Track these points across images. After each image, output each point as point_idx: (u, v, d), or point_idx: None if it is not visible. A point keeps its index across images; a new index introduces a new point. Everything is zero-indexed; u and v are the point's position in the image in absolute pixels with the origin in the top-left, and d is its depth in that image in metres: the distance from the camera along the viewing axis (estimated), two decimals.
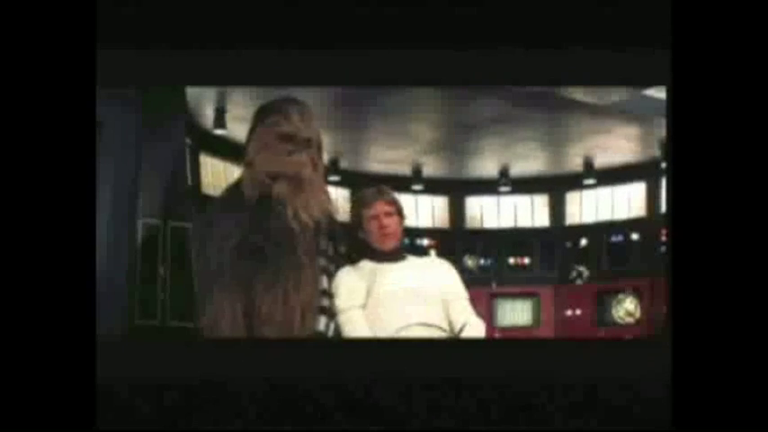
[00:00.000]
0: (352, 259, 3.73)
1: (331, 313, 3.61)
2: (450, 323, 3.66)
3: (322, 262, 3.66)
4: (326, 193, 3.79)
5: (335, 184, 6.93)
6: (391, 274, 3.65)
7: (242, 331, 3.54)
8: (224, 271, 3.56)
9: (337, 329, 3.62)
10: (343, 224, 3.83)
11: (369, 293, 3.61)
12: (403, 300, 3.60)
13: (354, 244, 3.76)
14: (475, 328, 3.68)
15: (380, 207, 3.72)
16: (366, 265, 3.68)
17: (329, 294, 3.63)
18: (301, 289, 3.57)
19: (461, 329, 3.64)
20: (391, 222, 3.72)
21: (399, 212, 3.78)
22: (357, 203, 3.79)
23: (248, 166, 3.66)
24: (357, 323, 3.56)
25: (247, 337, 3.55)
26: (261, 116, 3.74)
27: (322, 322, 3.60)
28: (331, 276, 3.66)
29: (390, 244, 3.70)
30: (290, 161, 3.63)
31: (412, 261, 3.76)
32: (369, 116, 6.70)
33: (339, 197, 6.59)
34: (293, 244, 3.57)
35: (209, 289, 3.58)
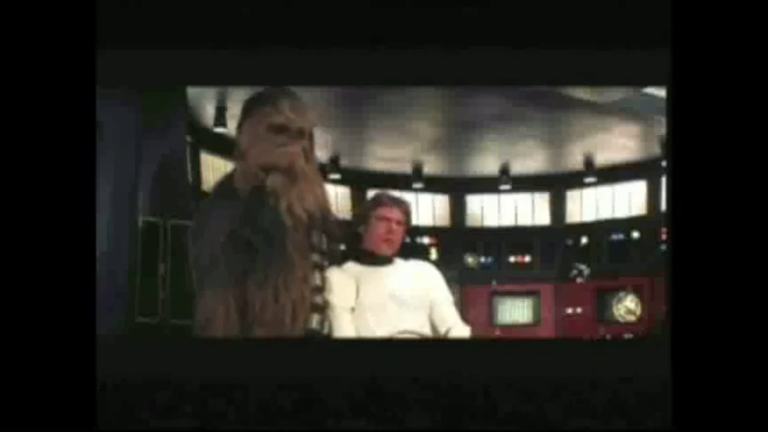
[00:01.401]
0: (343, 257, 3.70)
1: (324, 310, 3.58)
2: (434, 327, 3.65)
3: (315, 258, 3.62)
4: (322, 185, 3.75)
5: (336, 182, 6.92)
6: (377, 280, 3.64)
7: (236, 330, 3.51)
8: (216, 265, 3.53)
9: (330, 326, 3.59)
10: (339, 219, 3.81)
11: (356, 297, 3.59)
12: (388, 308, 3.60)
13: (349, 239, 3.73)
14: (459, 331, 3.67)
15: (396, 213, 3.71)
16: (352, 266, 3.66)
17: (323, 290, 3.59)
18: (292, 286, 3.53)
19: (446, 333, 3.64)
20: (398, 231, 3.71)
21: (407, 225, 3.77)
22: (372, 201, 3.76)
23: (240, 158, 3.62)
24: (345, 325, 3.54)
25: (241, 336, 3.53)
26: (250, 107, 3.68)
27: (315, 320, 3.56)
28: (324, 272, 3.62)
29: (388, 251, 3.68)
30: (282, 153, 3.58)
31: (398, 265, 3.73)
32: (369, 114, 6.69)
33: (339, 195, 6.58)
34: (284, 239, 3.53)
35: (203, 284, 3.55)
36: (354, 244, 3.73)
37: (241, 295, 3.51)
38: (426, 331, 3.65)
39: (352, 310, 3.60)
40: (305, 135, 3.63)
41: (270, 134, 3.60)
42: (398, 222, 3.73)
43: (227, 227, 3.54)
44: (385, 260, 3.71)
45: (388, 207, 3.72)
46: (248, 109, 3.69)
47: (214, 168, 6.66)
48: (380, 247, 3.69)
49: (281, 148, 3.59)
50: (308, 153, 3.66)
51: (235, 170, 3.67)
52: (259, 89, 3.94)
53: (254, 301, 3.51)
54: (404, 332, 3.60)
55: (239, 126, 3.69)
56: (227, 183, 3.70)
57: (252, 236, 3.53)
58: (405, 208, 3.77)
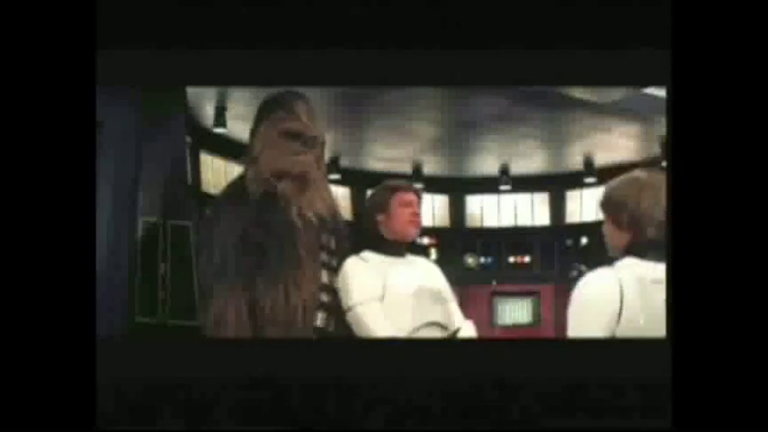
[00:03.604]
0: (358, 247, 3.63)
1: (330, 309, 3.56)
2: (447, 323, 3.64)
3: (324, 257, 3.60)
4: (328, 189, 3.74)
5: (335, 182, 6.92)
6: (403, 270, 3.59)
7: (247, 330, 3.50)
8: (227, 267, 3.52)
9: (343, 325, 3.55)
10: (346, 219, 3.79)
11: (384, 287, 3.52)
12: (418, 298, 3.55)
13: (364, 231, 3.66)
14: (468, 329, 3.67)
15: (414, 197, 3.65)
16: (372, 256, 3.58)
17: (331, 290, 3.57)
18: (303, 287, 3.51)
19: (456, 331, 3.63)
20: (420, 214, 3.65)
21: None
22: (388, 188, 3.66)
23: (253, 162, 3.59)
24: (377, 316, 3.46)
25: (251, 336, 3.52)
26: (266, 111, 3.64)
27: (320, 318, 3.54)
28: (332, 271, 3.61)
29: (415, 234, 3.62)
30: (296, 161, 3.56)
31: (411, 259, 3.70)
32: (369, 114, 6.70)
33: (339, 196, 6.59)
34: (294, 241, 3.52)
35: (212, 286, 3.53)
36: (372, 233, 3.64)
37: (252, 296, 3.49)
38: (448, 323, 3.62)
39: (382, 299, 3.52)
40: (318, 143, 3.61)
41: (284, 141, 3.57)
42: (418, 204, 3.67)
43: (238, 228, 3.53)
44: (401, 251, 3.65)
45: (407, 192, 3.66)
46: (262, 112, 3.66)
47: (214, 168, 6.67)
48: (408, 230, 3.62)
49: (295, 156, 3.57)
50: (320, 161, 3.65)
51: (245, 173, 3.65)
52: (261, 90, 3.92)
53: (265, 302, 3.49)
54: (430, 324, 3.57)
55: (253, 129, 3.66)
56: (237, 185, 3.67)
57: (263, 237, 3.51)
58: (418, 191, 3.71)
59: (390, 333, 3.49)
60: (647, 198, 2.99)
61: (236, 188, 3.67)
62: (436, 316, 3.59)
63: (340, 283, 3.55)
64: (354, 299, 3.49)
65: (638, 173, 3.09)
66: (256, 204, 3.56)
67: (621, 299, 2.84)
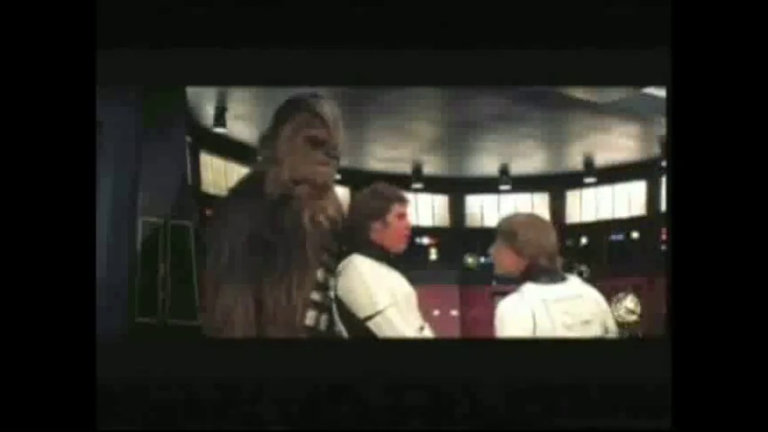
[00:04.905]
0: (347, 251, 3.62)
1: (321, 307, 3.55)
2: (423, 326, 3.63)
3: (325, 258, 3.59)
4: (336, 192, 3.73)
5: (335, 182, 6.92)
6: (396, 276, 3.60)
7: (253, 330, 3.48)
8: (237, 265, 3.50)
9: (351, 327, 3.53)
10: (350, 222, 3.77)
11: (395, 293, 3.51)
12: (410, 302, 3.56)
13: (354, 234, 3.64)
14: (428, 332, 3.66)
15: (407, 207, 3.63)
16: (366, 260, 3.58)
17: (323, 288, 3.56)
18: (306, 287, 3.51)
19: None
20: (410, 227, 3.64)
21: None
22: (384, 198, 3.62)
23: (274, 163, 3.56)
24: (399, 320, 3.45)
25: (250, 336, 3.51)
26: (291, 112, 3.59)
27: (311, 317, 3.52)
28: (329, 272, 3.60)
29: (404, 247, 3.62)
30: (318, 171, 3.53)
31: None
32: (369, 114, 6.70)
33: (339, 196, 6.58)
34: (303, 241, 3.50)
35: (220, 284, 3.51)
36: (363, 237, 3.62)
37: (259, 295, 3.48)
38: (423, 325, 3.62)
39: (396, 304, 3.50)
40: (339, 152, 3.59)
41: (308, 148, 3.55)
42: (409, 216, 3.65)
43: (248, 226, 3.50)
44: (383, 257, 3.63)
45: (403, 203, 3.63)
46: (286, 113, 3.62)
47: (214, 168, 6.68)
48: (401, 243, 3.60)
49: (317, 165, 3.55)
50: (337, 168, 3.64)
51: (259, 172, 3.61)
52: (261, 90, 3.91)
53: (269, 301, 3.48)
54: (421, 327, 3.57)
55: (276, 130, 3.61)
56: (251, 183, 3.64)
57: (271, 236, 3.49)
58: (409, 201, 3.69)
59: (413, 335, 3.49)
60: (545, 236, 3.40)
61: (249, 186, 3.64)
62: (420, 320, 3.60)
63: (351, 286, 3.51)
64: (383, 302, 3.46)
65: (532, 215, 3.68)
66: (270, 204, 3.53)
67: (534, 320, 3.27)
